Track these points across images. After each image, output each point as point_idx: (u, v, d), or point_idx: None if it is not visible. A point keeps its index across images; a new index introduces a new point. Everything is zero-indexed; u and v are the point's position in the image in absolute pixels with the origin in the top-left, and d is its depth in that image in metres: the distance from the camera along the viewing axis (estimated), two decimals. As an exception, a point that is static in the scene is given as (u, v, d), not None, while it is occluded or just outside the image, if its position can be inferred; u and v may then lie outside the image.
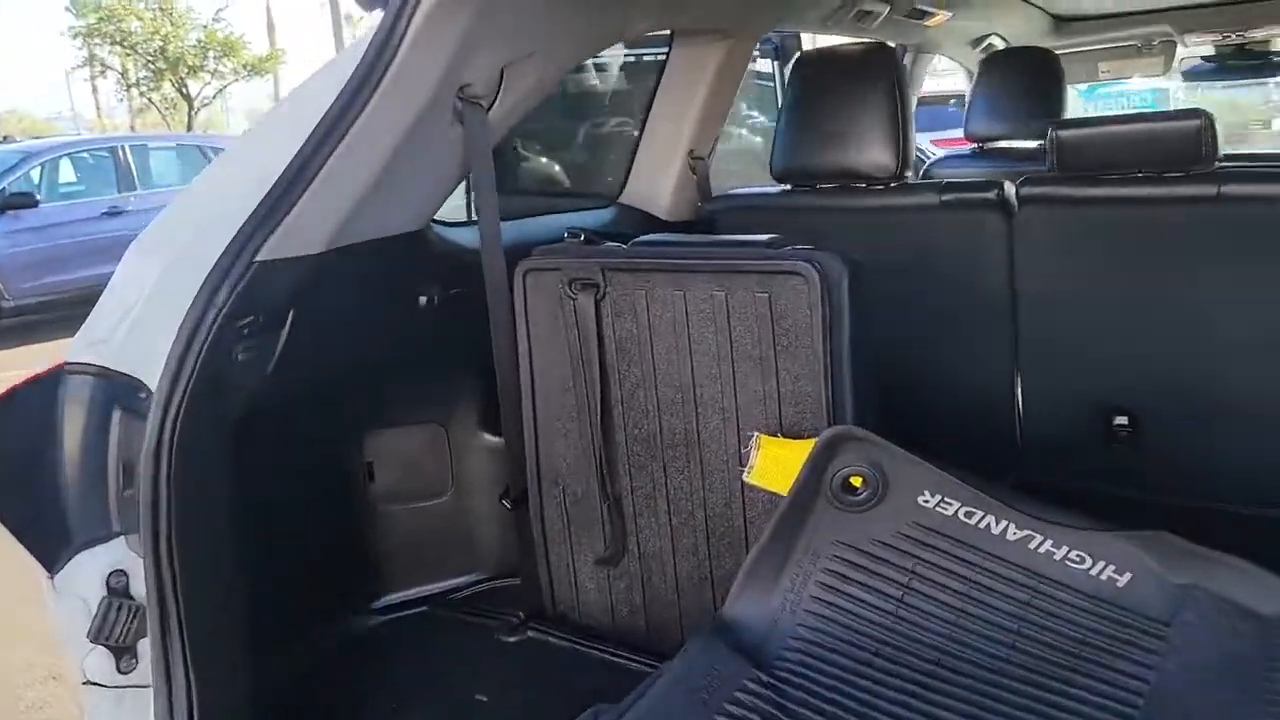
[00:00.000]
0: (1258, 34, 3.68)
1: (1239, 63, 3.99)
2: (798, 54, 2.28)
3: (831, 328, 1.42)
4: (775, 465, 1.49)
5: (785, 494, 1.49)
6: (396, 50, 1.40)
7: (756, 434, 1.50)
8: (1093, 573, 1.37)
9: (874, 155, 2.07)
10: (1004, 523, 1.41)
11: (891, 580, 1.44)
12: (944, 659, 1.36)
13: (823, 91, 2.14)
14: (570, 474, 1.78)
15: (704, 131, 2.51)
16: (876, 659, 1.38)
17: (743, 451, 1.55)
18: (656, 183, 2.52)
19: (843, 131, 2.10)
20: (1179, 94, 5.18)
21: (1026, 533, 1.40)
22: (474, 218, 1.78)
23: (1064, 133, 1.90)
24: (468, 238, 1.92)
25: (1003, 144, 3.41)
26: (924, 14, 3.12)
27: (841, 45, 2.21)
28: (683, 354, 1.59)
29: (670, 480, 1.67)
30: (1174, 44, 3.98)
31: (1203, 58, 4.11)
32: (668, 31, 2.42)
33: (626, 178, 2.55)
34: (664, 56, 2.48)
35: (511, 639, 1.80)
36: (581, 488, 1.77)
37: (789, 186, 2.28)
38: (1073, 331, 2.00)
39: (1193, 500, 2.03)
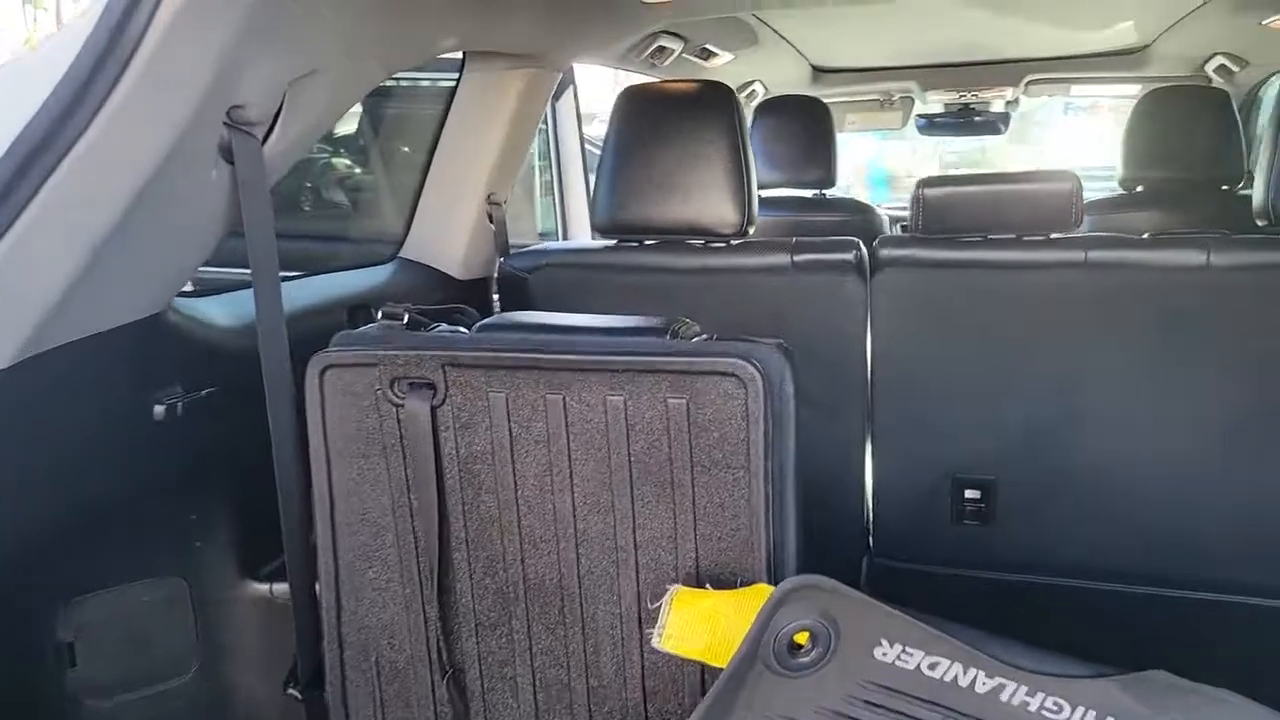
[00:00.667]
0: (989, 94, 3.93)
1: (955, 119, 4.27)
2: (624, 89, 1.96)
3: (774, 443, 1.11)
4: (695, 624, 1.14)
5: (708, 661, 1.15)
6: (136, 46, 0.90)
7: (673, 586, 1.14)
8: (1071, 721, 1.16)
9: (715, 207, 1.81)
10: (972, 672, 1.16)
11: (843, 757, 1.14)
12: None
13: (654, 132, 1.84)
14: (387, 640, 1.31)
15: (502, 173, 2.13)
16: None
17: (648, 607, 1.19)
18: (446, 233, 2.09)
19: (678, 179, 1.82)
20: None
21: (998, 681, 1.16)
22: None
23: (929, 191, 1.74)
24: (224, 314, 1.40)
25: (780, 192, 3.33)
26: (710, 54, 2.97)
27: (672, 80, 1.93)
28: (560, 478, 1.19)
29: (536, 644, 1.26)
30: (912, 100, 4.19)
31: (925, 115, 4.35)
32: (458, 55, 2.03)
33: (408, 227, 2.10)
34: (453, 83, 2.07)
35: None
36: (403, 658, 1.31)
37: (613, 242, 1.96)
38: (930, 402, 1.86)
39: (1046, 577, 1.96)
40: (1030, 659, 1.18)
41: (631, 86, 1.95)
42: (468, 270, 2.13)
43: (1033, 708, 1.16)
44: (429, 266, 2.09)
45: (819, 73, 3.88)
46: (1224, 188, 2.85)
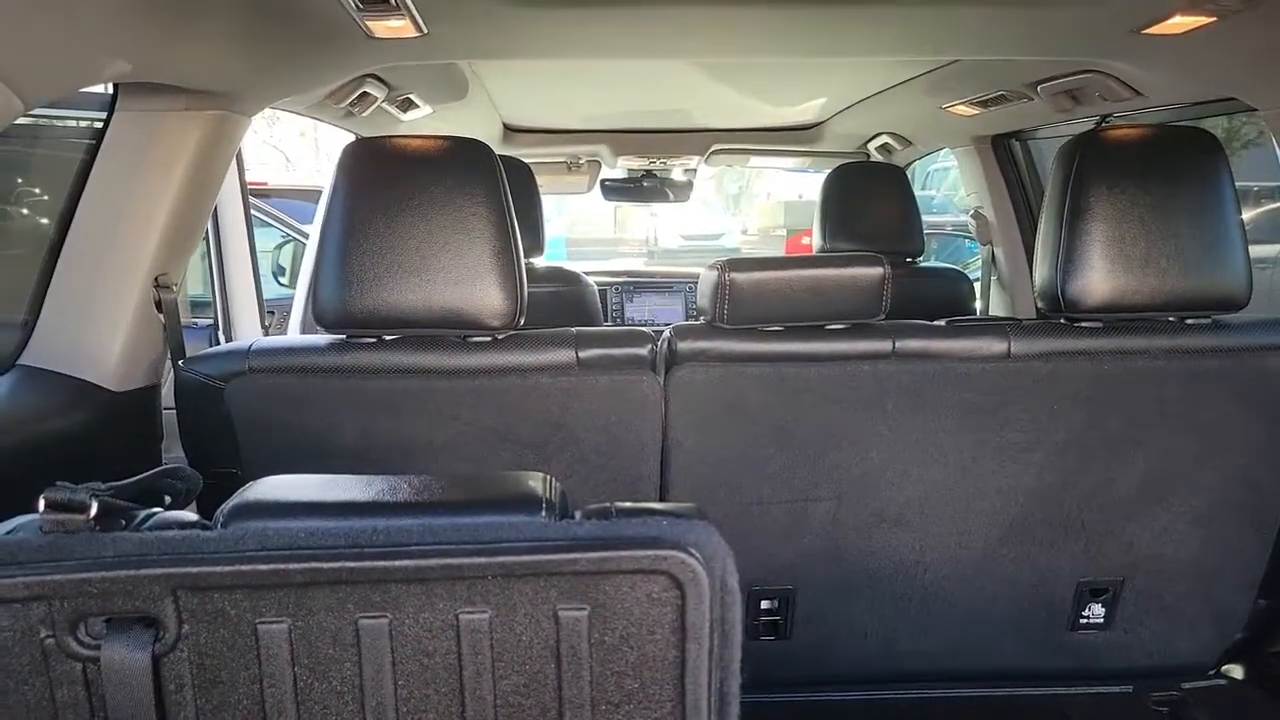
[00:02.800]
0: (675, 161, 3.95)
1: (641, 185, 4.27)
2: (349, 143, 1.54)
3: (715, 662, 0.78)
4: None
5: None
6: None
7: None
8: None
9: (480, 294, 1.46)
10: None
11: None
12: None
13: (397, 199, 1.44)
14: None
15: (175, 246, 1.60)
16: None
17: None
18: (93, 329, 1.52)
19: (432, 259, 1.44)
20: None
21: None
22: None
23: (737, 275, 1.53)
24: None
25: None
26: (410, 106, 2.60)
27: (415, 136, 1.55)
28: None
29: None
30: (599, 164, 4.10)
31: (611, 179, 4.31)
32: (107, 90, 1.49)
33: (34, 322, 1.49)
34: (99, 125, 1.51)
35: None
36: None
37: (342, 337, 1.52)
38: (728, 506, 1.65)
39: (841, 692, 1.83)
40: None
41: (362, 141, 1.55)
42: (126, 379, 1.56)
43: None
44: (67, 376, 1.50)
45: (510, 131, 3.66)
46: (908, 260, 3.05)
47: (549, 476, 0.87)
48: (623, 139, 3.73)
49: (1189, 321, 1.58)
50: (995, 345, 1.55)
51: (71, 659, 0.73)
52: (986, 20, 1.65)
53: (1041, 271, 1.60)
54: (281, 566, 0.73)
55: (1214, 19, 1.46)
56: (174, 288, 1.60)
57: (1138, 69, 1.88)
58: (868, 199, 3.06)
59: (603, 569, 0.75)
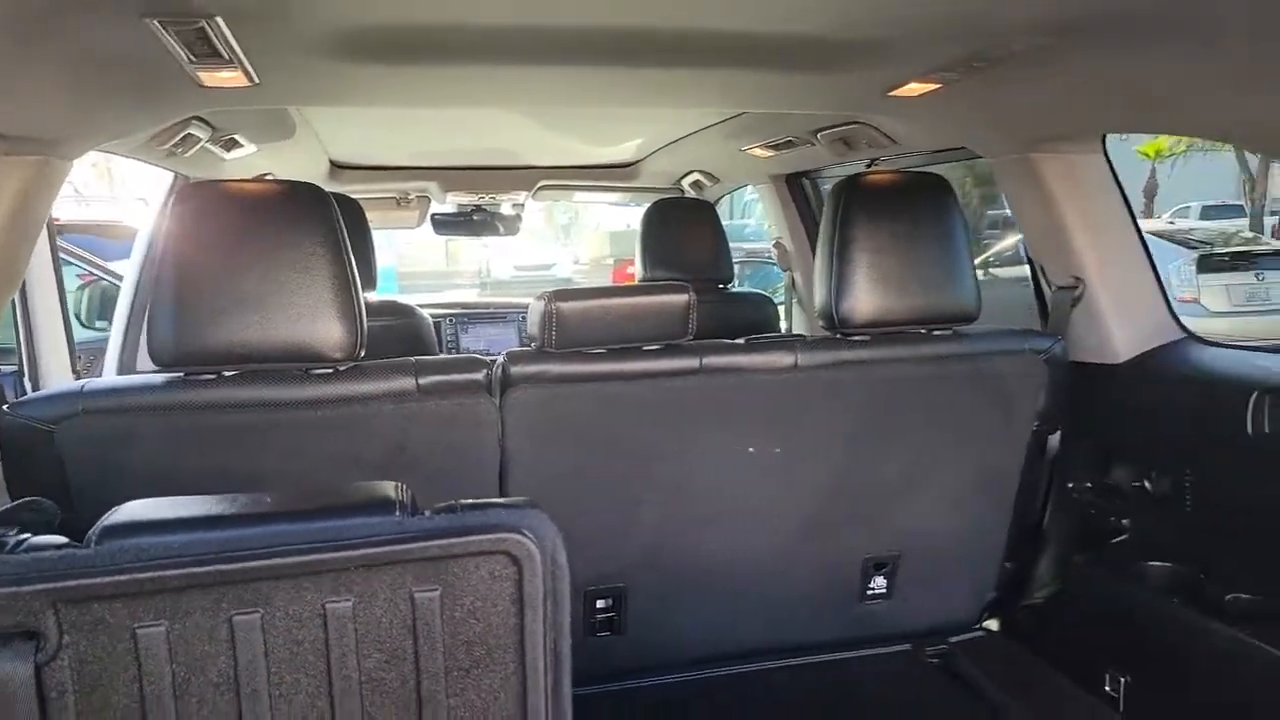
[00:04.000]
0: (503, 197, 4.10)
1: (470, 220, 4.40)
2: (183, 186, 1.61)
3: (549, 628, 0.95)
4: None
5: None
6: None
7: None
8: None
9: (322, 328, 1.55)
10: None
11: None
12: None
13: (234, 238, 1.52)
14: None
15: (-3, 290, 1.61)
16: None
17: None
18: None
19: (272, 296, 1.52)
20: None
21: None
22: None
23: (563, 305, 1.71)
24: None
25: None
26: (234, 145, 2.63)
27: (250, 180, 1.63)
28: None
29: None
30: (429, 199, 4.20)
31: (440, 214, 4.41)
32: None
33: None
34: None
35: None
36: None
37: (179, 375, 1.58)
38: (563, 515, 1.81)
39: (677, 674, 2.02)
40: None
41: (196, 185, 1.61)
42: None
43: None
44: None
45: (337, 168, 3.70)
46: (720, 286, 3.33)
47: (400, 484, 1.01)
48: (451, 176, 3.85)
49: (935, 333, 1.88)
50: (785, 358, 1.80)
51: None
52: (765, 82, 1.92)
53: (819, 294, 1.87)
54: (159, 574, 0.84)
55: (941, 85, 1.77)
56: None
57: (892, 122, 2.22)
58: (681, 232, 3.33)
59: (450, 553, 0.90)
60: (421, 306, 3.22)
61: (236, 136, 2.53)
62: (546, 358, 1.72)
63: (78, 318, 3.50)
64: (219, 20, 1.26)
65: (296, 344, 1.54)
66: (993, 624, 2.16)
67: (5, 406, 1.56)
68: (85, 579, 0.82)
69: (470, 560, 0.91)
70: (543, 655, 0.94)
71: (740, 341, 1.83)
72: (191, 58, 1.49)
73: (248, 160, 2.88)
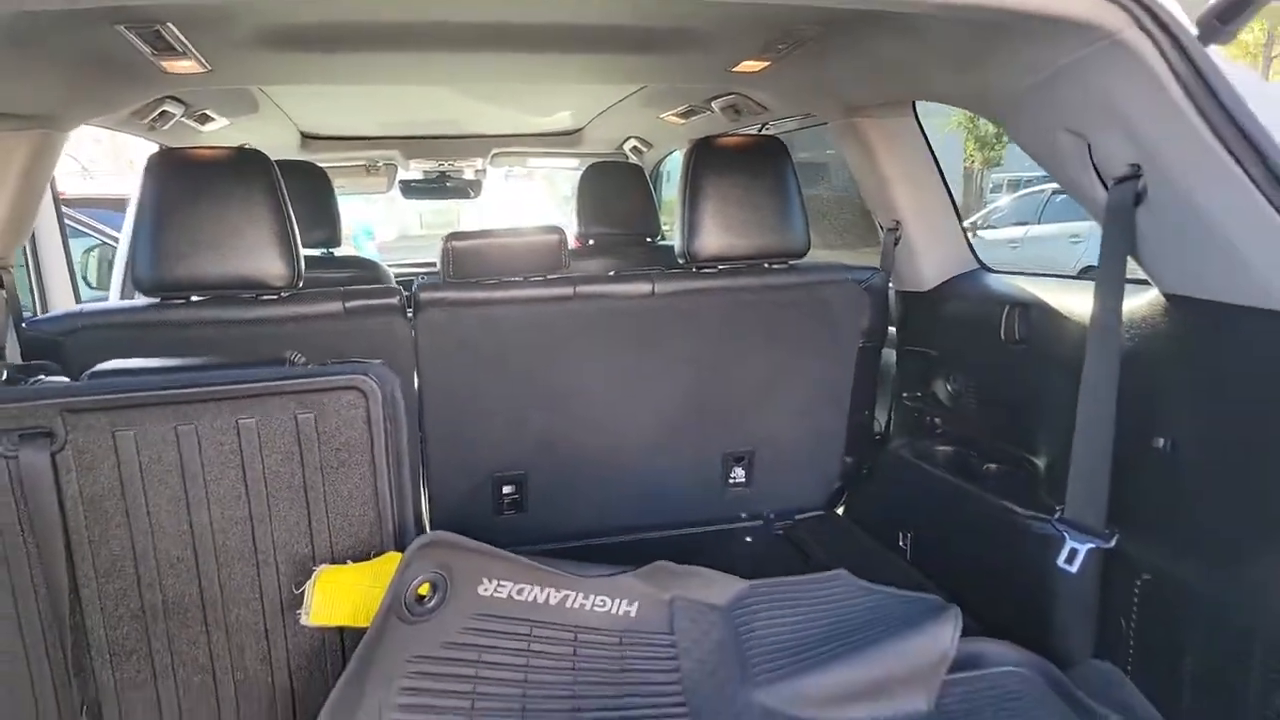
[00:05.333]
0: (462, 163, 4.53)
1: (433, 184, 4.82)
2: (153, 154, 2.04)
3: (391, 439, 1.40)
4: (339, 597, 1.38)
5: (353, 624, 1.40)
6: None
7: (319, 566, 1.37)
8: (614, 611, 1.64)
9: (266, 263, 1.99)
10: (547, 590, 1.59)
11: (463, 675, 1.48)
12: (525, 715, 1.46)
13: (197, 194, 1.96)
14: (6, 694, 1.31)
15: (9, 236, 2.05)
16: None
17: (292, 592, 1.39)
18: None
19: (226, 238, 1.96)
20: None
21: (564, 593, 1.60)
22: None
23: (457, 244, 2.15)
24: None
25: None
26: (207, 119, 3.06)
27: (207, 147, 2.06)
28: (196, 500, 1.34)
29: (179, 658, 1.38)
30: (396, 167, 4.63)
31: (407, 180, 4.84)
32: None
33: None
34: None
35: None
36: (27, 710, 1.32)
37: (156, 300, 2.03)
38: (469, 417, 2.25)
39: (574, 542, 2.48)
40: (583, 570, 1.63)
41: (165, 151, 2.05)
42: None
43: (588, 607, 1.61)
44: None
45: (307, 139, 4.12)
46: (648, 240, 3.77)
47: (296, 353, 1.46)
48: (413, 145, 4.27)
49: (774, 266, 2.32)
50: (644, 287, 2.24)
51: (1, 458, 1.26)
52: (644, 62, 2.33)
53: (677, 235, 2.30)
54: (126, 395, 1.29)
55: (770, 63, 2.19)
56: (10, 269, 2.05)
57: (755, 93, 2.64)
58: (612, 192, 3.77)
59: (319, 388, 1.35)
60: (395, 264, 3.66)
61: (208, 112, 2.96)
62: (448, 286, 2.16)
63: (85, 280, 3.94)
64: (170, 25, 1.69)
65: (246, 275, 1.98)
66: (837, 509, 2.61)
67: (24, 324, 2.02)
68: (80, 397, 1.28)
69: (333, 394, 1.36)
70: (385, 458, 1.39)
71: (611, 274, 2.27)
72: (153, 52, 1.92)
73: (222, 133, 3.31)
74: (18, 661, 1.31)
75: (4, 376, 1.31)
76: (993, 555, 1.91)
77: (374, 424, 1.38)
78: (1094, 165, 1.49)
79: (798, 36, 1.96)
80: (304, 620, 1.37)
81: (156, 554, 1.35)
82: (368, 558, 1.41)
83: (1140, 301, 1.57)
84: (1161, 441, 1.54)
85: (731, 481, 2.48)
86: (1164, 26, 1.25)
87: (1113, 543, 1.55)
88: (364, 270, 3.46)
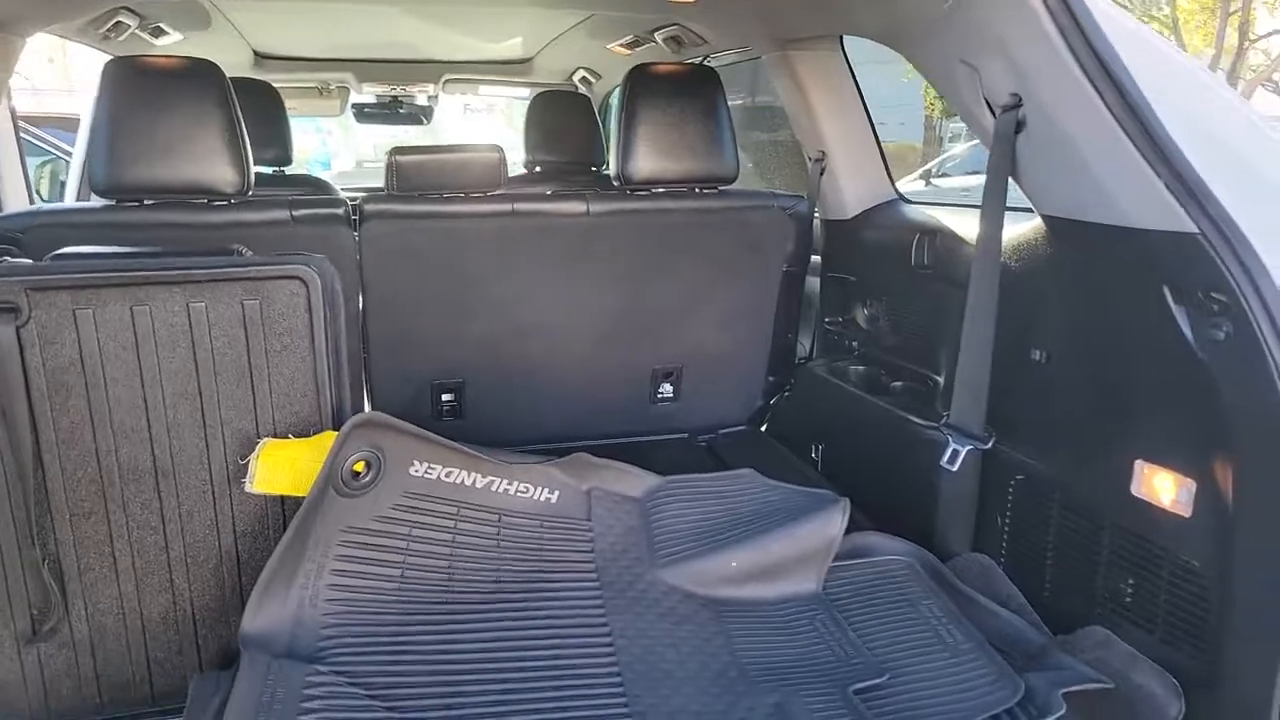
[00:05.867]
0: (414, 89, 4.55)
1: (385, 110, 4.85)
2: (110, 60, 2.09)
3: (329, 326, 1.51)
4: (280, 468, 1.51)
5: (293, 493, 1.53)
6: None
7: (263, 439, 1.49)
8: (535, 497, 1.79)
9: (218, 170, 2.05)
10: (474, 475, 1.73)
11: (394, 547, 1.62)
12: (450, 591, 1.62)
13: (150, 101, 2.02)
14: None
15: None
16: (399, 611, 1.56)
17: (238, 463, 1.51)
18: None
19: (180, 145, 2.02)
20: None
21: (490, 479, 1.74)
22: None
23: (400, 158, 2.24)
24: None
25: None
26: (161, 33, 3.08)
27: (162, 55, 2.10)
28: (150, 376, 1.45)
29: (133, 520, 1.50)
30: (348, 90, 4.64)
31: (359, 104, 4.85)
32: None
33: None
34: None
35: None
36: None
37: (112, 202, 2.09)
38: (410, 325, 2.36)
39: (510, 444, 2.61)
40: (509, 458, 1.77)
41: (120, 59, 2.10)
42: None
43: (511, 491, 1.75)
44: None
45: (260, 58, 4.12)
46: (593, 168, 3.86)
47: (243, 246, 1.56)
48: (365, 67, 4.29)
49: (704, 190, 2.44)
50: (579, 207, 2.35)
51: None
52: None
53: (613, 159, 2.40)
54: (85, 276, 1.39)
55: None
56: None
57: (694, 24, 2.73)
58: (559, 121, 3.84)
59: (264, 276, 1.46)
60: (347, 188, 3.72)
61: (161, 25, 2.98)
62: (392, 199, 2.26)
63: (38, 193, 3.95)
64: None
65: (198, 180, 2.05)
66: (763, 428, 2.78)
67: None
68: (42, 275, 1.37)
69: (276, 282, 1.47)
70: (325, 343, 1.51)
71: (548, 193, 2.37)
72: None
73: (176, 48, 3.32)
74: (-19, 520, 1.42)
75: None
76: (889, 461, 2.09)
77: (314, 312, 1.50)
78: (984, 96, 1.63)
79: None
80: (248, 487, 1.50)
81: (113, 424, 1.45)
82: (308, 435, 1.54)
83: (1024, 226, 1.72)
84: (1038, 354, 1.71)
85: (660, 397, 2.63)
86: (1041, -38, 1.38)
87: (990, 444, 1.73)
88: (314, 188, 3.52)
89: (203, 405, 1.49)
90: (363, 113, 4.79)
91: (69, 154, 4.60)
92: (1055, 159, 1.51)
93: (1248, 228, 1.26)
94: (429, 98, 4.79)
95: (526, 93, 5.05)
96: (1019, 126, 1.55)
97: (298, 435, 1.54)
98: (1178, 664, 1.38)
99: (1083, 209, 1.51)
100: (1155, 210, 1.33)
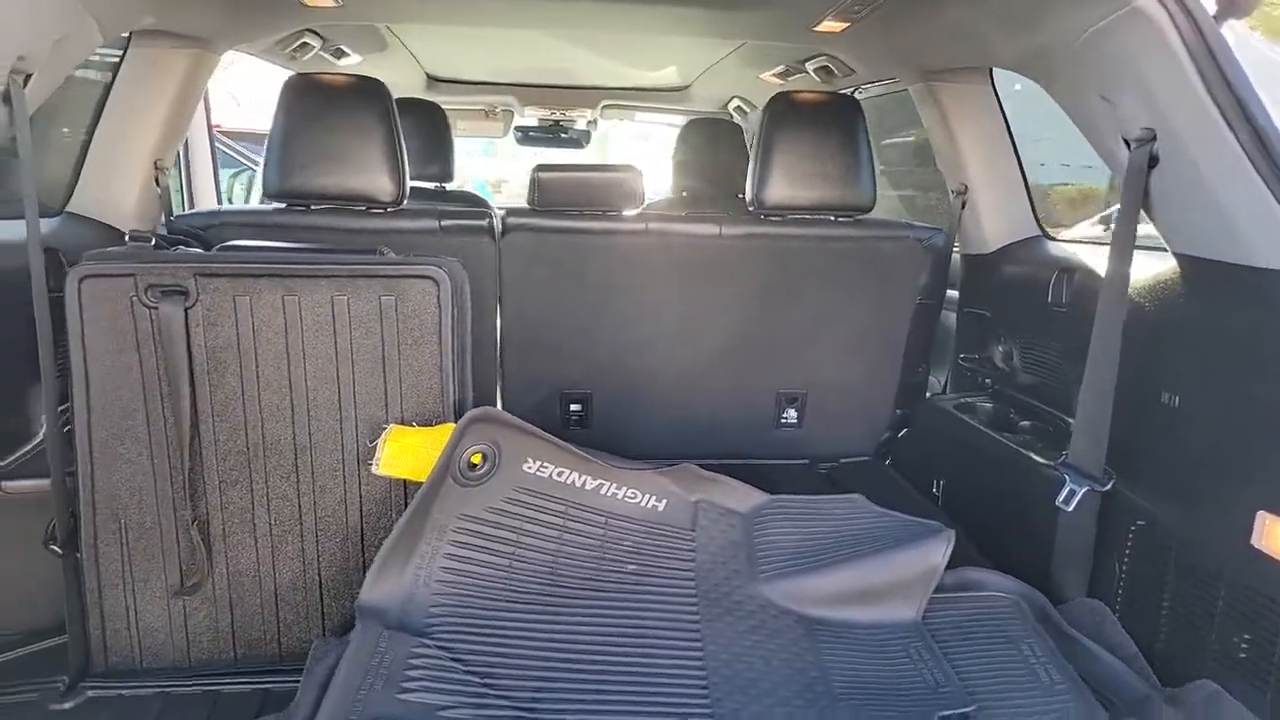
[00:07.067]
0: (573, 113, 4.76)
1: (546, 133, 5.08)
2: (290, 77, 2.33)
3: (456, 324, 1.64)
4: (404, 454, 1.63)
5: (414, 479, 1.65)
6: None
7: (390, 425, 1.62)
8: (642, 504, 1.84)
9: (377, 180, 2.24)
10: (584, 477, 1.80)
11: (505, 539, 1.71)
12: (553, 584, 1.69)
13: (321, 114, 2.22)
14: (136, 504, 1.62)
15: (167, 141, 2.38)
16: (503, 598, 1.64)
17: (367, 446, 1.65)
18: (115, 192, 2.29)
19: (344, 155, 2.22)
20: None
21: (599, 482, 1.81)
22: None
23: (543, 175, 2.37)
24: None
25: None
26: (342, 54, 3.37)
27: (333, 73, 2.33)
28: (295, 360, 1.61)
29: (273, 491, 1.66)
30: (512, 113, 4.90)
31: (522, 127, 5.11)
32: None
33: (73, 184, 2.27)
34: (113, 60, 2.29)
35: (65, 705, 1.56)
36: (150, 517, 1.63)
37: (283, 205, 2.32)
38: (543, 335, 2.48)
39: (633, 457, 2.69)
40: (619, 463, 1.84)
41: (299, 75, 2.33)
42: (137, 226, 2.34)
43: (619, 496, 1.82)
44: (96, 221, 2.28)
45: (432, 80, 4.43)
46: (739, 195, 3.91)
47: (385, 248, 1.71)
48: (528, 91, 4.53)
49: (840, 219, 2.45)
50: (712, 229, 2.41)
51: (144, 307, 1.55)
52: (732, 17, 2.49)
53: (750, 183, 2.45)
54: (246, 266, 1.57)
55: (850, 23, 2.31)
56: (167, 170, 2.38)
57: (841, 54, 2.75)
58: (709, 149, 3.93)
59: (401, 274, 1.60)
60: (502, 206, 3.94)
61: (342, 47, 3.26)
62: (534, 214, 2.39)
63: (229, 200, 4.40)
64: None
65: (358, 189, 2.24)
66: (887, 461, 2.74)
67: (174, 217, 2.35)
68: (209, 263, 1.56)
69: (411, 280, 1.61)
70: (451, 339, 1.63)
71: (681, 214, 2.45)
72: None
73: (355, 69, 3.63)
74: (146, 476, 1.62)
75: (153, 244, 1.60)
76: (1008, 499, 2.03)
77: (443, 309, 1.62)
78: (1120, 129, 1.58)
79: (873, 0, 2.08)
80: (375, 469, 1.63)
81: (261, 402, 1.62)
82: (430, 424, 1.66)
83: (1158, 264, 1.65)
84: (1168, 397, 1.63)
85: (783, 421, 2.64)
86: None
87: (1108, 486, 1.66)
88: (470, 204, 3.74)
89: (339, 390, 1.64)
90: (526, 135, 5.04)
91: (257, 163, 5.11)
92: (1188, 196, 1.45)
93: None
94: (588, 122, 5.00)
95: (683, 120, 5.20)
96: (1153, 162, 1.50)
97: (421, 424, 1.66)
98: None
99: (1215, 247, 1.44)
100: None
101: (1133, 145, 1.53)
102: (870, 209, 2.44)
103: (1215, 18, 1.33)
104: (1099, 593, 1.74)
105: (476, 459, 1.69)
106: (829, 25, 2.37)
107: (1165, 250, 1.63)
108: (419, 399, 1.67)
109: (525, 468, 1.75)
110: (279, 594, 1.71)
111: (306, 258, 1.62)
